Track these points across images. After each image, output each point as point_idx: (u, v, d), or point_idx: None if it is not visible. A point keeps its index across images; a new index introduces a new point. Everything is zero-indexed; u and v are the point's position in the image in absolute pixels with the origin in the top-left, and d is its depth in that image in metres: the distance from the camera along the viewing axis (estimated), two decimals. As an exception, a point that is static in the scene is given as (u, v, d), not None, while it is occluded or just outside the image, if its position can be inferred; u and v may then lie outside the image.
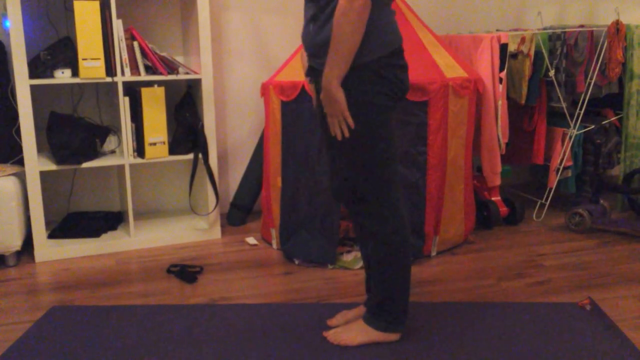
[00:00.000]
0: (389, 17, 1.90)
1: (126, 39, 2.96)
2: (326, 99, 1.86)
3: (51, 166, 2.95)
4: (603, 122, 3.56)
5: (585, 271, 2.76)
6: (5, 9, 2.78)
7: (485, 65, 3.18)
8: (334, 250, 2.83)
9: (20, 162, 3.02)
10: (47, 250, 2.98)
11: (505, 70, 3.20)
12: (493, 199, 3.38)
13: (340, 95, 1.83)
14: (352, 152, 1.93)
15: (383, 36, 1.86)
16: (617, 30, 3.35)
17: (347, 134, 1.88)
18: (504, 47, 3.19)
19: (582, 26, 3.58)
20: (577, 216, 3.28)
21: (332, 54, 1.80)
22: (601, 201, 3.36)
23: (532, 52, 3.30)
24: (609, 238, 3.20)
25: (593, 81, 3.41)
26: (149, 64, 3.04)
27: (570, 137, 3.45)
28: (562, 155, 3.47)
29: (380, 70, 1.86)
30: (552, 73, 3.35)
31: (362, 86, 1.86)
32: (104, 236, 3.16)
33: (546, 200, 3.53)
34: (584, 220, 3.25)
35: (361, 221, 2.03)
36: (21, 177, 2.95)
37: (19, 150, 3.00)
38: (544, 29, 3.61)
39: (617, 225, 3.29)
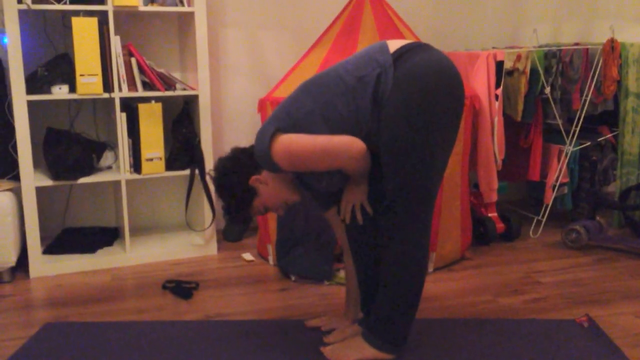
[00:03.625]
0: None
1: (124, 55, 2.97)
2: (356, 186, 2.07)
3: (47, 182, 2.94)
4: (599, 139, 3.57)
5: (582, 288, 2.75)
6: (3, 25, 2.79)
7: (481, 82, 3.19)
8: (330, 267, 2.82)
9: (16, 178, 3.01)
10: (42, 266, 2.96)
11: (502, 87, 3.22)
12: (489, 215, 3.38)
13: (366, 186, 2.07)
14: (414, 153, 1.89)
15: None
16: (612, 48, 3.38)
17: (360, 221, 2.10)
18: (500, 65, 3.21)
19: (577, 44, 3.61)
20: (573, 232, 3.27)
21: (353, 177, 2.06)
22: (598, 218, 3.36)
23: (527, 70, 3.32)
24: (606, 255, 3.20)
25: (589, 98, 3.43)
26: (147, 80, 3.05)
27: (566, 154, 3.46)
28: (558, 172, 3.47)
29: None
30: (547, 90, 3.37)
31: (428, 89, 1.88)
32: (99, 252, 3.14)
33: (542, 216, 3.53)
34: (581, 236, 3.25)
35: (393, 234, 1.97)
36: (17, 193, 2.95)
37: (15, 165, 2.99)
38: (540, 46, 3.64)
39: (613, 242, 3.29)
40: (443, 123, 1.91)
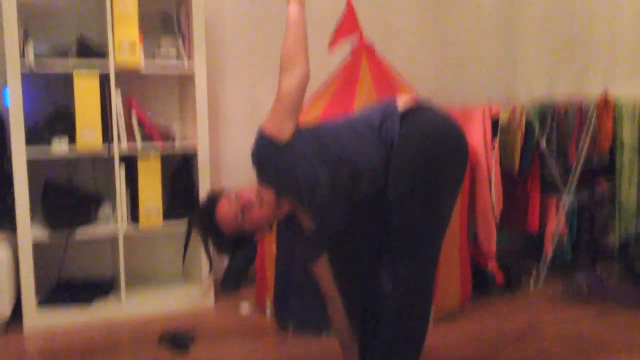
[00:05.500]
0: None
1: (124, 109, 3.01)
2: None
3: (44, 237, 2.93)
4: (596, 193, 3.58)
5: (584, 340, 2.71)
6: (5, 82, 2.84)
7: (478, 136, 3.23)
8: (328, 318, 2.78)
9: (12, 227, 3.00)
10: (36, 319, 2.92)
11: (497, 139, 3.25)
12: (489, 266, 3.36)
13: None
14: (423, 202, 1.94)
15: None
16: (606, 102, 3.42)
17: None
18: (495, 120, 3.25)
19: (572, 96, 3.66)
20: (574, 285, 3.25)
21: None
22: (598, 269, 3.34)
23: (523, 124, 3.37)
24: (607, 307, 3.16)
25: (584, 152, 3.45)
26: (146, 135, 3.08)
27: (565, 206, 3.47)
28: (557, 223, 3.47)
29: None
30: (543, 144, 3.40)
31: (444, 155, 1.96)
32: (95, 304, 3.11)
33: (543, 267, 3.50)
34: (582, 289, 3.22)
35: (399, 281, 1.98)
36: (13, 242, 2.93)
37: (12, 216, 2.98)
38: (534, 99, 3.69)
39: (614, 295, 3.26)
40: (451, 174, 1.98)
